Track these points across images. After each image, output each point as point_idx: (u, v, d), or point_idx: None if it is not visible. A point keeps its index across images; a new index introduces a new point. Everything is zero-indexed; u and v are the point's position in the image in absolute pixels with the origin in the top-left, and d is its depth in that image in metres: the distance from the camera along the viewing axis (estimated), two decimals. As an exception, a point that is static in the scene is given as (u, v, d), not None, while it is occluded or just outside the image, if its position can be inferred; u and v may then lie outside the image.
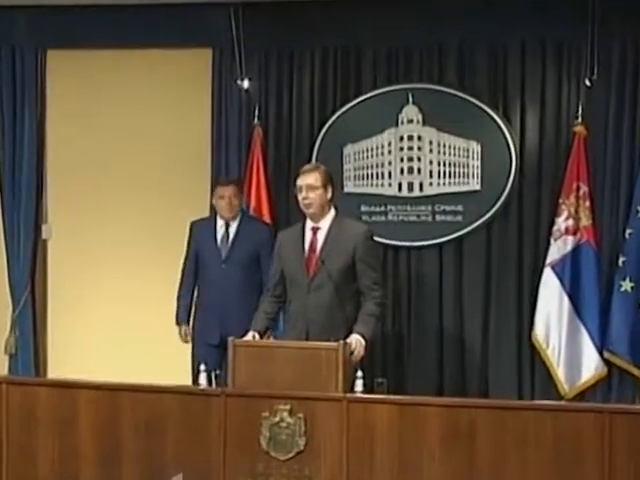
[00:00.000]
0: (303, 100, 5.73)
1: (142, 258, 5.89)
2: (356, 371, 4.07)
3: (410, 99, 5.56)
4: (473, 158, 5.52)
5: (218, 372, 4.27)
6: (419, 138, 5.57)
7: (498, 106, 5.53)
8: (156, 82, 5.88)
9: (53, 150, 6.03)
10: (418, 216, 5.60)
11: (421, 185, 5.59)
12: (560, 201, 5.38)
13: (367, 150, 5.64)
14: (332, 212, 4.56)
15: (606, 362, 5.34)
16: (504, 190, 5.49)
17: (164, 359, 5.44)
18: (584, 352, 5.35)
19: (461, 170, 5.54)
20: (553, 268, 5.38)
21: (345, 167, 5.66)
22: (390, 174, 5.62)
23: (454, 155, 5.54)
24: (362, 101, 5.64)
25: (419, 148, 5.58)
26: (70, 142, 5.98)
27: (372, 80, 5.66)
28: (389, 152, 5.61)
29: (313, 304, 4.44)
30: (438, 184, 5.57)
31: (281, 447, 3.97)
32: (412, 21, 5.53)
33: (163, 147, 5.87)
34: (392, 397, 4.09)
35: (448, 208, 5.57)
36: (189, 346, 5.29)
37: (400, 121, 5.59)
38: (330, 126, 5.67)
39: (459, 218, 5.56)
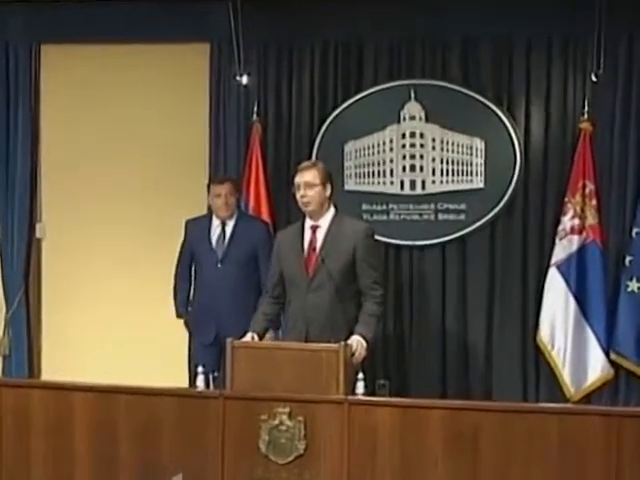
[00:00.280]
0: (303, 96, 5.69)
1: (138, 257, 5.84)
2: (357, 373, 4.02)
3: (412, 95, 5.52)
4: (477, 155, 5.48)
5: (216, 374, 4.24)
6: (421, 135, 5.53)
7: (502, 102, 5.48)
8: (153, 78, 5.83)
9: (47, 147, 5.98)
10: (420, 215, 5.56)
11: (423, 183, 5.54)
12: (566, 199, 5.34)
13: (368, 147, 5.59)
14: (332, 210, 4.52)
15: (613, 364, 5.30)
16: (508, 188, 5.45)
17: (160, 359, 5.44)
18: (590, 353, 5.31)
19: (464, 168, 5.51)
20: (558, 268, 5.33)
21: (346, 164, 5.62)
22: (392, 172, 5.57)
23: (457, 152, 5.50)
24: (363, 97, 5.59)
25: (421, 145, 5.54)
26: (65, 139, 5.94)
27: (373, 76, 5.61)
28: (391, 149, 5.57)
29: (313, 304, 4.40)
30: (441, 182, 5.53)
31: (280, 451, 3.93)
32: (414, 15, 5.48)
33: (160, 144, 5.82)
34: (394, 400, 4.08)
35: (451, 206, 5.53)
36: (185, 346, 5.24)
37: (402, 118, 5.54)
38: (331, 123, 5.62)
39: (462, 217, 5.51)
